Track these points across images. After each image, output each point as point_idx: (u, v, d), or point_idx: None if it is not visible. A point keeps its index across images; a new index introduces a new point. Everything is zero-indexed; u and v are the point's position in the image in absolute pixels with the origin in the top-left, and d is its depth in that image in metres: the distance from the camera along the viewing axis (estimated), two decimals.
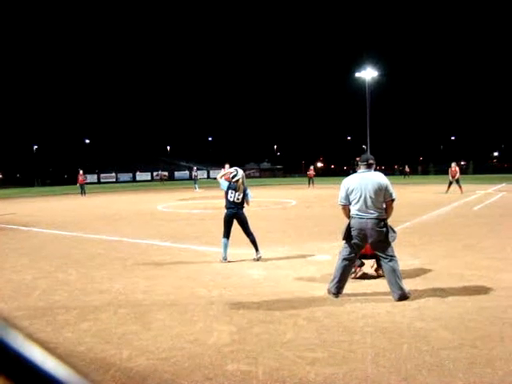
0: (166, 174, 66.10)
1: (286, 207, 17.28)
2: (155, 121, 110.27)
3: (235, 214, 7.15)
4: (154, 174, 68.24)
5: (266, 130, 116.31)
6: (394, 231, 5.07)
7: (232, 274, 6.46)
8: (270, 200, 21.49)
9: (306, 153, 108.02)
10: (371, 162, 5.16)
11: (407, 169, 50.78)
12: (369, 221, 4.91)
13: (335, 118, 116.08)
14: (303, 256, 7.64)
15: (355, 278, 5.88)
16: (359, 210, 4.98)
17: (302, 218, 13.75)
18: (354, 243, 5.05)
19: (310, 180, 32.31)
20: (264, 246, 8.17)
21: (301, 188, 31.98)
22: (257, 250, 7.34)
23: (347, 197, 5.11)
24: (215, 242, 9.24)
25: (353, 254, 5.11)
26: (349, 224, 5.07)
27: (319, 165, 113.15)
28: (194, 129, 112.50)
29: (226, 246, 7.25)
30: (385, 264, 5.00)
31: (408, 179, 43.56)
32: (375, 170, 5.23)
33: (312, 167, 33.87)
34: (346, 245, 5.14)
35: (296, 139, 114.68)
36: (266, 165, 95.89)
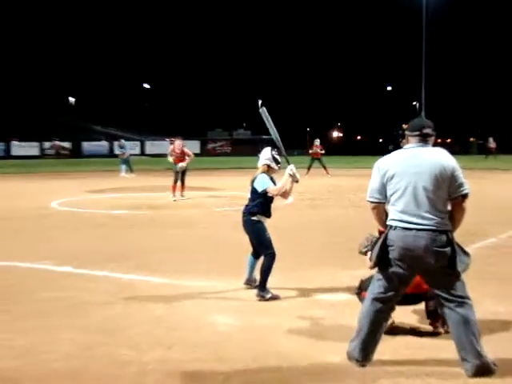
0: (64, 145, 65.58)
1: (277, 206, 17.26)
2: (46, 55, 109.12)
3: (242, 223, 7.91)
4: (45, 145, 67.63)
5: (244, 71, 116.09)
6: (465, 253, 5.06)
7: (182, 323, 6.45)
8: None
9: (312, 115, 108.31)
10: (428, 131, 5.14)
11: (492, 144, 50.35)
12: (421, 233, 4.87)
13: (364, 54, 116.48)
14: (303, 293, 7.67)
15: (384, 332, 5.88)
16: (404, 213, 4.94)
17: (304, 225, 13.74)
18: (394, 273, 5.02)
19: (314, 161, 32.06)
20: (238, 273, 8.14)
21: (302, 174, 32.00)
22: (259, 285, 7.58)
23: (383, 189, 5.09)
24: (151, 267, 9.19)
25: (390, 293, 5.08)
26: (385, 238, 5.04)
27: (335, 135, 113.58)
28: (117, 68, 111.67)
29: (248, 265, 7.97)
30: (450, 311, 5.00)
31: (493, 161, 43.84)
32: (435, 145, 5.23)
33: (318, 142, 33.11)
34: (380, 276, 5.10)
35: (296, 89, 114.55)
36: (241, 133, 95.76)
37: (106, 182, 28.02)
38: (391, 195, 5.04)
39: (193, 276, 8.64)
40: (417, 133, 5.14)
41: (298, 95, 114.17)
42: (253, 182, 7.85)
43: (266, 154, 8.05)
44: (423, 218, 4.89)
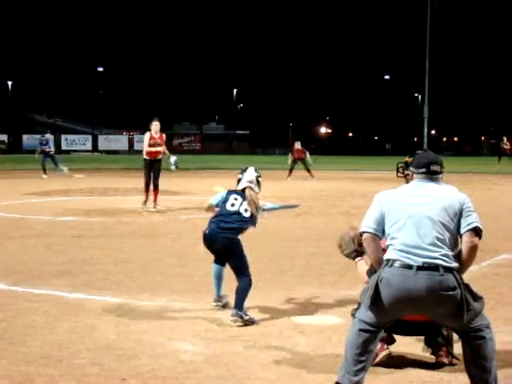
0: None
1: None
2: None
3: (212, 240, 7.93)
4: None
5: (216, 54, 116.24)
6: (475, 299, 5.01)
7: (138, 350, 6.37)
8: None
9: (296, 108, 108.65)
10: (436, 168, 5.23)
11: (506, 144, 51.08)
12: (422, 273, 4.84)
13: (358, 36, 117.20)
14: (284, 316, 7.65)
15: (373, 362, 5.86)
16: (404, 245, 4.92)
17: (286, 236, 13.71)
18: (387, 312, 5.00)
19: (296, 163, 32.63)
20: (206, 291, 8.12)
21: (284, 177, 32.10)
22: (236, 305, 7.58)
23: (381, 220, 5.11)
24: (102, 284, 9.18)
25: (376, 328, 5.07)
26: (378, 279, 4.99)
27: (323, 131, 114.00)
28: (65, 46, 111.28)
29: (215, 278, 7.95)
30: (463, 342, 5.01)
31: (507, 164, 44.23)
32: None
33: (299, 144, 33.69)
34: (370, 310, 5.08)
35: (277, 76, 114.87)
36: (213, 127, 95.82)
37: (51, 183, 27.81)
38: (390, 227, 5.07)
39: (151, 294, 8.60)
40: (423, 170, 5.24)
41: (280, 84, 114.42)
42: (257, 206, 8.01)
43: (251, 175, 8.16)
44: (426, 250, 4.89)
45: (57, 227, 15.04)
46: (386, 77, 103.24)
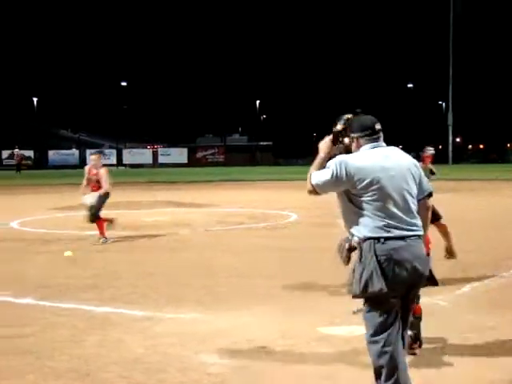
0: (26, 154, 65.57)
1: (278, 226, 17.22)
2: (3, 47, 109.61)
3: None
4: (3, 154, 67.65)
5: (238, 65, 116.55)
6: None
7: (165, 363, 6.38)
8: (244, 211, 21.47)
9: (320, 117, 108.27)
10: (380, 126, 5.17)
11: None
12: (413, 242, 4.89)
13: (381, 45, 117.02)
14: (310, 327, 7.62)
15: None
16: (393, 221, 4.82)
17: (310, 248, 13.67)
18: (394, 290, 4.88)
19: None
20: (233, 304, 8.08)
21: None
22: None
23: (336, 188, 5.02)
24: (129, 298, 9.21)
25: (395, 322, 4.96)
26: (376, 259, 4.85)
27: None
28: (89, 61, 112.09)
29: None
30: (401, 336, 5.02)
31: None
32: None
33: (432, 151, 33.96)
34: (376, 309, 4.94)
35: (301, 86, 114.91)
36: (237, 139, 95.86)
37: (76, 198, 27.89)
38: (370, 204, 4.90)
39: (178, 307, 8.62)
40: (369, 131, 5.11)
41: (303, 94, 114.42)
42: None
43: None
44: (412, 223, 4.93)
45: (82, 241, 15.12)
46: (410, 85, 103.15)
